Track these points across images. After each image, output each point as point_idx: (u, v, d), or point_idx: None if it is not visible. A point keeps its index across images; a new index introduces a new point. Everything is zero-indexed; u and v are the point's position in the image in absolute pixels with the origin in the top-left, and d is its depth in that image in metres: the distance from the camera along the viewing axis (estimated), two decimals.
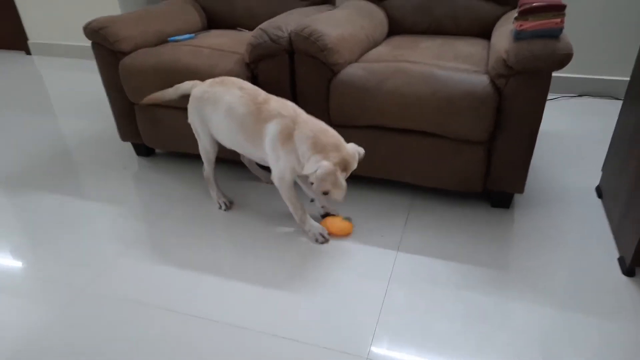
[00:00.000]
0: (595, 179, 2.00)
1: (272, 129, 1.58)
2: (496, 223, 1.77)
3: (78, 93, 3.27)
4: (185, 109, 1.86)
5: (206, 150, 1.83)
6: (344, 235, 1.72)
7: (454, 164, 1.75)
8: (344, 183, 1.50)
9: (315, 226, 1.71)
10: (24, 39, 4.19)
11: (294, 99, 1.88)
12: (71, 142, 2.55)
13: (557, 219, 1.78)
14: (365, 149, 1.78)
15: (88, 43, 2.10)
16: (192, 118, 1.80)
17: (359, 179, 1.98)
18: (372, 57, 1.87)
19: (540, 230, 1.72)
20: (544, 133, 2.44)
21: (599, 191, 1.90)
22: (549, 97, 2.68)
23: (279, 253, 1.66)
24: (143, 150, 2.35)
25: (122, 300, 1.48)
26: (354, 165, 1.54)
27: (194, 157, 2.29)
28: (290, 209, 1.71)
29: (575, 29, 2.76)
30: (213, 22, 2.53)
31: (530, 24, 1.50)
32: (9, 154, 2.44)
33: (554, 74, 1.92)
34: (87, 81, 3.50)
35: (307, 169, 1.50)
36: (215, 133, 1.76)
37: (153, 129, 2.15)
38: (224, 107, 1.67)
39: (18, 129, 2.74)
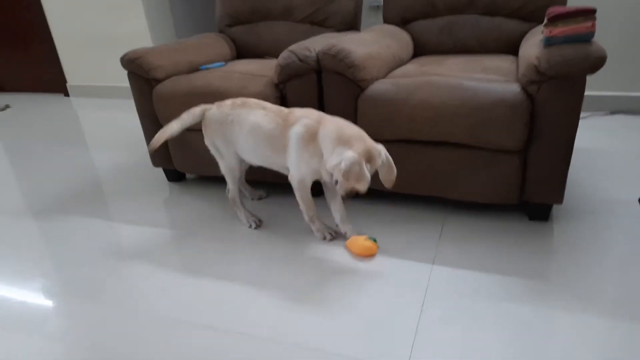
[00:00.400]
0: (637, 190, 1.92)
1: (296, 130, 1.60)
2: (535, 235, 1.70)
3: (111, 129, 3.39)
4: None
5: (231, 169, 1.85)
6: (368, 255, 1.65)
7: (488, 176, 1.71)
8: (368, 175, 1.46)
9: (322, 226, 1.75)
10: (63, 81, 4.42)
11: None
12: (104, 172, 2.61)
13: (599, 231, 1.70)
14: (395, 165, 1.77)
15: (122, 83, 2.19)
16: (213, 140, 1.81)
17: (387, 196, 1.95)
18: (399, 74, 1.89)
19: (583, 241, 1.65)
20: (578, 150, 2.38)
21: None
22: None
23: (312, 269, 1.62)
24: (174, 176, 2.39)
25: (156, 319, 1.46)
26: (378, 161, 1.51)
27: (223, 181, 2.33)
28: (303, 208, 1.74)
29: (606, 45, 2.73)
30: (242, 53, 2.61)
31: (560, 30, 1.50)
32: (44, 184, 2.52)
33: None
34: (120, 119, 3.63)
35: (331, 162, 1.48)
36: (240, 151, 1.79)
37: (184, 153, 2.19)
38: (248, 126, 1.70)
39: (53, 161, 2.84)
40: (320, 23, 2.40)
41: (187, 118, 1.81)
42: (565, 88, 1.52)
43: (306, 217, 1.75)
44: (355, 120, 1.81)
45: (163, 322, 1.43)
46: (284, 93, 1.90)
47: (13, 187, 2.52)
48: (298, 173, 1.66)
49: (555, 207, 1.86)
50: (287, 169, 1.71)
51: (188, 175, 2.47)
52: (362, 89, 1.78)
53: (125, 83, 2.04)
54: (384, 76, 1.90)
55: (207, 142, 1.85)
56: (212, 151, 1.86)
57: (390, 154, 1.78)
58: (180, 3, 4.06)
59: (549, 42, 1.52)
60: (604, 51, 1.46)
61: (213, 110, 1.79)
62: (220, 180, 2.35)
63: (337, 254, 1.69)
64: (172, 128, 1.81)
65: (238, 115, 1.73)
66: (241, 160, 1.83)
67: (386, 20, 2.38)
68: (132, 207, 2.18)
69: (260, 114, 1.69)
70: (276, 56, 2.43)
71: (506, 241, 1.68)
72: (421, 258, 1.62)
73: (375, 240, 1.67)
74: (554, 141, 1.59)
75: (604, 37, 2.71)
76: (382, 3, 2.44)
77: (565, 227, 1.74)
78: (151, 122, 2.19)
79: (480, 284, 1.48)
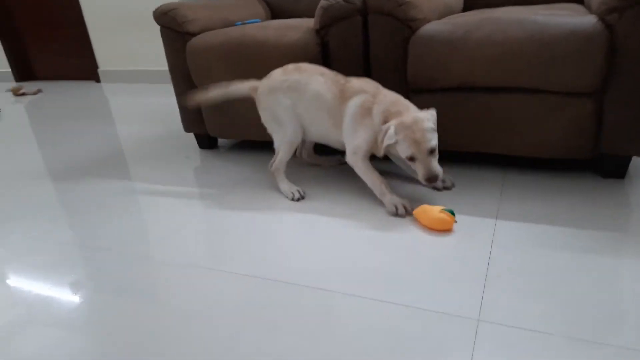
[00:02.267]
0: None
1: (353, 104, 1.52)
2: (610, 192, 1.50)
3: (141, 109, 3.31)
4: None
5: (291, 141, 1.67)
6: (443, 230, 1.37)
7: (557, 125, 1.51)
8: (420, 136, 1.37)
9: (395, 198, 1.51)
10: (94, 67, 4.40)
11: (367, 65, 1.74)
12: (133, 142, 2.52)
13: None
14: (449, 118, 1.62)
15: (155, 67, 2.08)
16: (273, 110, 1.65)
17: (441, 157, 1.77)
18: (453, 18, 1.72)
19: None
20: None
21: None
22: None
23: (365, 229, 1.46)
24: (206, 143, 2.27)
25: (183, 266, 1.32)
26: (426, 139, 1.38)
27: (258, 148, 2.19)
28: (368, 183, 1.55)
29: None
30: (278, 16, 2.49)
31: None
32: (70, 153, 2.43)
33: None
34: (151, 101, 3.57)
35: (383, 141, 1.42)
36: (299, 119, 1.65)
37: (217, 117, 2.06)
38: (310, 95, 1.58)
39: (81, 135, 2.77)
40: None
41: (232, 89, 1.72)
42: None
43: (376, 192, 1.54)
44: (405, 68, 1.66)
45: (200, 270, 1.29)
46: (326, 40, 1.75)
47: (38, 156, 2.45)
48: (352, 145, 1.53)
49: (631, 165, 1.65)
50: (343, 144, 1.58)
51: (220, 143, 2.35)
52: (414, 31, 1.61)
53: (158, 67, 1.95)
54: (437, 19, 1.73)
55: (263, 117, 1.71)
56: (270, 126, 1.70)
57: (444, 106, 1.62)
58: None
59: None
60: None
61: (263, 83, 1.66)
62: (256, 147, 2.24)
63: (399, 226, 1.52)
64: (214, 93, 1.70)
65: (296, 81, 1.60)
66: (302, 129, 1.67)
67: None
68: (160, 172, 2.06)
69: (320, 81, 1.58)
70: None
71: (576, 198, 1.48)
72: (483, 214, 1.44)
73: (453, 213, 1.37)
74: (635, 79, 1.39)
75: None
76: None
77: None
78: (184, 81, 2.08)
79: (550, 235, 1.29)
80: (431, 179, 1.39)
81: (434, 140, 1.39)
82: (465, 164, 1.78)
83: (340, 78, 1.59)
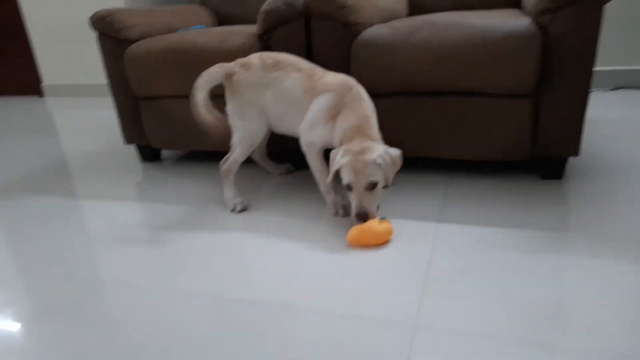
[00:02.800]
0: None
1: (322, 101, 1.43)
2: (549, 192, 1.51)
3: (84, 123, 3.17)
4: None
5: (252, 140, 1.58)
6: (389, 238, 1.31)
7: (496, 128, 1.53)
8: (361, 167, 1.28)
9: (338, 199, 1.48)
10: (37, 82, 4.21)
11: None
12: (76, 157, 2.39)
13: (619, 185, 1.51)
14: (392, 123, 1.60)
15: (99, 80, 2.00)
16: (243, 104, 1.55)
17: None
18: (394, 22, 1.72)
19: (603, 195, 1.46)
20: (587, 120, 2.22)
21: None
22: None
23: (309, 233, 1.41)
24: (148, 155, 2.17)
25: (125, 285, 1.23)
26: (367, 172, 1.28)
27: (203, 159, 2.12)
28: (316, 177, 1.51)
29: (606, 21, 2.63)
30: (224, 23, 2.45)
31: None
32: (9, 168, 2.28)
33: None
34: (96, 115, 3.43)
35: (334, 161, 1.36)
36: (268, 117, 1.57)
37: (159, 126, 1.98)
38: (284, 92, 1.50)
39: (19, 151, 2.61)
40: None
41: (208, 80, 1.53)
42: (581, 17, 1.36)
43: (321, 188, 1.51)
44: (348, 71, 1.64)
45: (117, 288, 1.20)
46: (269, 45, 1.72)
47: None
48: (308, 135, 1.47)
49: (568, 166, 1.69)
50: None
51: (165, 155, 2.26)
52: (355, 35, 1.61)
53: (104, 80, 1.84)
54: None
55: (229, 107, 1.57)
56: (232, 118, 1.57)
57: (387, 112, 1.60)
58: None
59: None
60: None
61: (241, 73, 1.53)
62: (201, 158, 2.16)
63: (341, 237, 1.48)
64: (200, 98, 1.52)
65: (275, 79, 1.51)
66: (267, 129, 1.59)
67: None
68: (99, 185, 1.96)
69: (296, 77, 1.49)
70: None
71: (517, 199, 1.49)
72: (425, 217, 1.42)
73: (386, 219, 1.32)
74: (569, 80, 1.43)
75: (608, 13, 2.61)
76: None
77: (581, 184, 1.55)
78: (122, 91, 1.99)
79: (490, 237, 1.28)
80: (359, 216, 1.30)
81: (374, 177, 1.29)
82: (410, 169, 1.77)
83: (317, 72, 1.50)
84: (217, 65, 1.55)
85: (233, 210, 1.59)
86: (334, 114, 1.42)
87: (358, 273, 1.18)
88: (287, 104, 1.51)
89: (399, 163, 1.34)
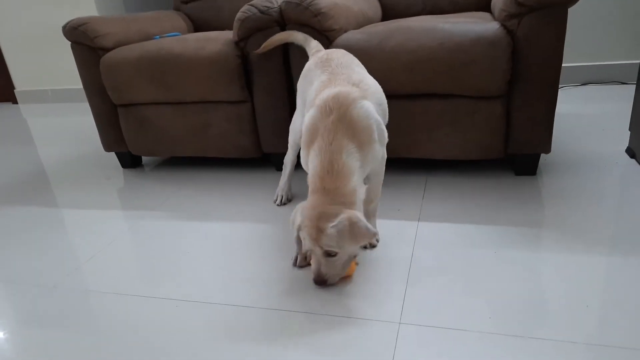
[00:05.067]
0: (622, 143, 1.84)
1: (305, 119, 1.19)
2: (523, 188, 1.57)
3: (62, 129, 3.13)
4: (172, 105, 1.76)
5: (294, 129, 1.51)
6: (346, 278, 1.19)
7: (470, 128, 1.58)
8: (316, 234, 1.06)
9: (283, 188, 1.64)
10: (10, 88, 4.13)
11: (288, 74, 1.74)
12: (54, 164, 2.37)
13: (591, 179, 1.58)
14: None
15: (75, 85, 1.99)
16: (297, 92, 1.50)
17: None
18: (368, 27, 1.76)
19: (574, 190, 1.52)
20: (557, 115, 2.30)
21: (631, 152, 1.72)
22: None
23: (288, 233, 1.44)
24: (128, 162, 2.17)
25: (112, 294, 1.24)
26: (322, 242, 1.06)
27: (184, 164, 2.12)
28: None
29: (575, 19, 2.71)
30: (200, 29, 2.45)
31: None
32: None
33: None
34: (71, 121, 3.39)
35: (294, 220, 1.16)
36: None
37: (139, 133, 1.98)
38: (310, 94, 1.29)
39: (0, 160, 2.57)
40: None
41: (297, 36, 1.59)
42: (546, 21, 1.41)
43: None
44: None
45: (100, 296, 1.21)
46: (246, 51, 1.74)
47: None
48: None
49: (541, 162, 1.75)
50: None
51: (145, 162, 2.26)
52: (331, 41, 1.63)
53: (79, 84, 1.81)
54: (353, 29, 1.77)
55: (300, 84, 1.47)
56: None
57: None
58: None
59: None
60: None
61: (313, 56, 1.45)
62: (181, 164, 2.16)
63: None
64: (282, 35, 1.60)
65: (314, 76, 1.33)
66: None
67: None
68: (79, 194, 1.95)
69: (320, 80, 1.26)
70: None
71: (493, 195, 1.55)
72: (405, 217, 1.46)
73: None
74: (538, 81, 1.48)
75: (574, 11, 2.70)
76: None
77: (553, 179, 1.62)
78: (100, 97, 1.98)
79: (469, 234, 1.33)
80: (316, 282, 1.13)
81: (331, 247, 1.06)
82: (390, 169, 1.82)
83: (340, 77, 1.22)
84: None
85: (275, 200, 1.65)
86: (311, 139, 1.14)
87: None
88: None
89: (361, 236, 1.06)
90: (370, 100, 1.18)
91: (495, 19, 1.58)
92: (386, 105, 1.33)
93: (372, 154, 1.15)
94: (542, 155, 1.80)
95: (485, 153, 1.61)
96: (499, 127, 1.56)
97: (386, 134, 1.24)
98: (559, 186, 1.56)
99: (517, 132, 1.56)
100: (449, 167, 1.79)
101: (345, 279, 1.17)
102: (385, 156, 1.27)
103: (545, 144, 1.57)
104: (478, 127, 1.57)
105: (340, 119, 1.10)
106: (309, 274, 1.21)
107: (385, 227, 1.41)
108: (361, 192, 1.11)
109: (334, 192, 1.07)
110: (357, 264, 1.22)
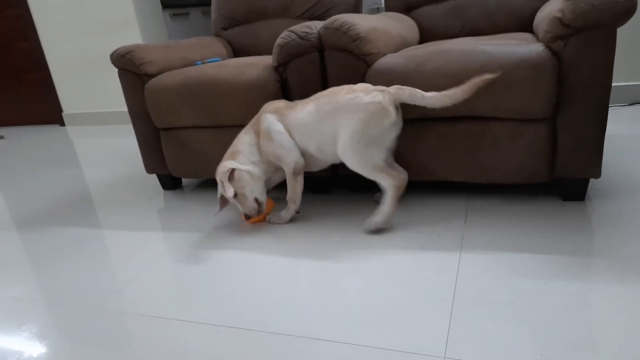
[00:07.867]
0: None
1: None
2: (571, 215, 1.50)
3: (106, 151, 3.25)
4: (212, 128, 1.83)
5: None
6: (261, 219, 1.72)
7: (514, 151, 1.53)
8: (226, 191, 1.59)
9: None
10: (58, 111, 4.33)
11: None
12: (98, 186, 2.45)
13: None
14: (408, 149, 1.61)
15: (120, 108, 2.07)
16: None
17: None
18: (406, 51, 1.75)
19: (626, 216, 1.45)
20: (606, 136, 2.20)
21: None
22: None
23: (332, 258, 1.42)
24: (169, 183, 2.22)
25: (151, 317, 1.25)
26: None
27: None
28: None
29: (621, 36, 2.62)
30: (239, 54, 2.50)
31: None
32: (31, 199, 2.35)
33: None
34: (115, 144, 3.51)
35: None
36: None
37: (179, 156, 2.03)
38: None
39: (43, 181, 2.68)
40: (319, 17, 2.30)
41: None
42: (594, 41, 1.37)
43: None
44: None
45: (139, 319, 1.22)
46: (285, 76, 1.76)
47: (1, 204, 2.35)
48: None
49: (590, 186, 1.68)
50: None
51: (185, 183, 2.30)
52: (369, 65, 1.63)
53: (123, 107, 1.90)
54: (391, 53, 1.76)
55: None
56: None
57: (405, 137, 1.60)
58: (176, 21, 4.02)
59: None
60: None
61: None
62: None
63: (365, 267, 1.49)
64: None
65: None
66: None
67: (388, 9, 2.28)
68: (121, 216, 2.00)
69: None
70: None
71: (538, 222, 1.48)
72: (447, 247, 1.42)
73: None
74: (586, 102, 1.43)
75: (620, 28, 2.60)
76: (382, 4, 2.35)
77: (603, 205, 1.54)
78: (144, 122, 2.05)
79: (514, 263, 1.28)
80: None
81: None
82: (429, 193, 1.78)
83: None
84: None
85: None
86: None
87: (384, 302, 1.18)
88: None
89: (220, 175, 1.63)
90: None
91: (539, 40, 1.55)
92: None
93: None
94: (591, 180, 1.72)
95: (530, 177, 1.56)
96: (544, 151, 1.50)
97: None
98: (610, 212, 1.49)
99: (564, 156, 1.51)
100: (491, 192, 1.73)
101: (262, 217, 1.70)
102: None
103: (594, 167, 1.50)
104: (522, 151, 1.52)
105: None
106: (348, 301, 1.19)
107: (426, 256, 1.38)
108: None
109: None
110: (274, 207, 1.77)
